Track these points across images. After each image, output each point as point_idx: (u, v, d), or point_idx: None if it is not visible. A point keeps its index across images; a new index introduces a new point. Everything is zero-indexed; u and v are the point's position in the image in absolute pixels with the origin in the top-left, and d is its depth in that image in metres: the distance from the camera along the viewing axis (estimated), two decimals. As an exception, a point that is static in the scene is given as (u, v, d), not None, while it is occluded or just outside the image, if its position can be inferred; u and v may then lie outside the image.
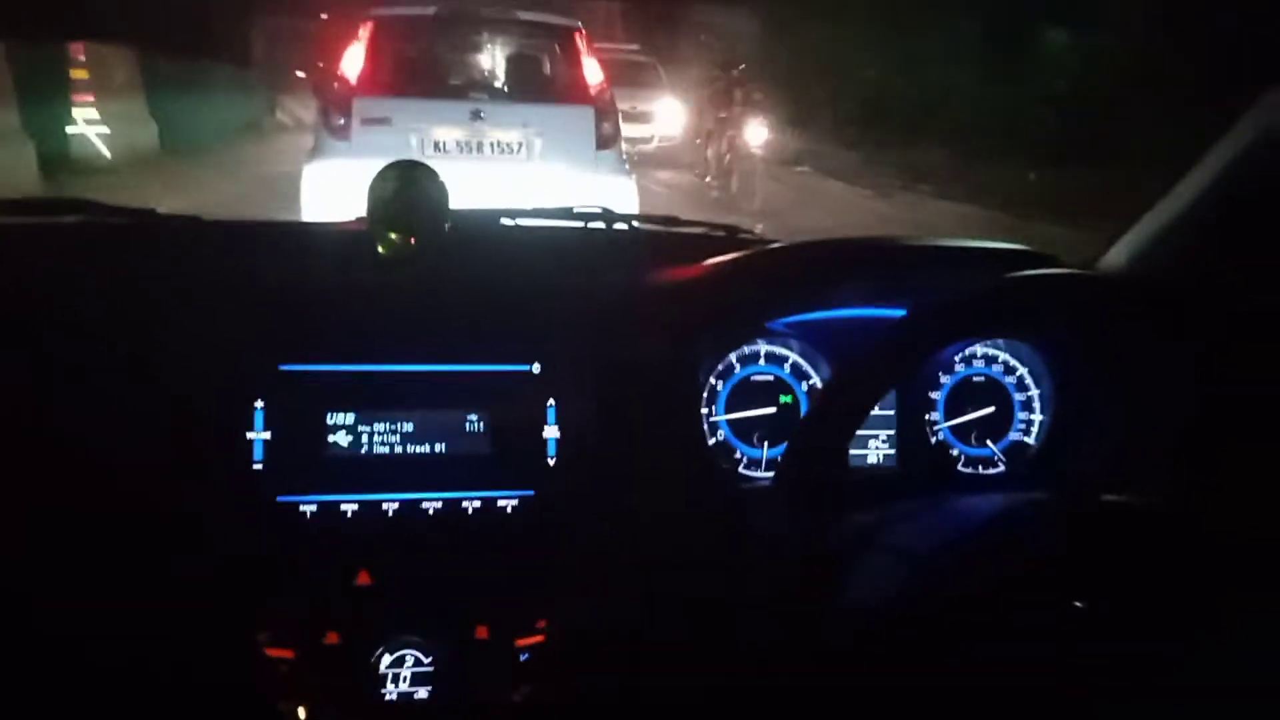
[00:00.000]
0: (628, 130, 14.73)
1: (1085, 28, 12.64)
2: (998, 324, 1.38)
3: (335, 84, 5.70)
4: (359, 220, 1.31)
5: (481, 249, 1.45)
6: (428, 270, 1.31)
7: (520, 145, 5.73)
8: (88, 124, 11.06)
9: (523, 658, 1.22)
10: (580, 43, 6.28)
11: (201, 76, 15.76)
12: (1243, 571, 0.94)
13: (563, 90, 6.18)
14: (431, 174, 1.31)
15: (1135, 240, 1.43)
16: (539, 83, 6.30)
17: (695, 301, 1.36)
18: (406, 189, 1.27)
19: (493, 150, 5.72)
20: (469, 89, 5.99)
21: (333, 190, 5.36)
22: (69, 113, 10.94)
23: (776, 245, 1.53)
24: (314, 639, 1.18)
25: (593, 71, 6.08)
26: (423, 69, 6.17)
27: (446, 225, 1.31)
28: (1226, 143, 1.32)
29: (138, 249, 1.40)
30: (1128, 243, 1.44)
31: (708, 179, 11.92)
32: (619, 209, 4.64)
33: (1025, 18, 13.49)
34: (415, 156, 5.17)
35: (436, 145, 5.62)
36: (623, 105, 14.69)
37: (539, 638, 1.23)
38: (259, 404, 1.21)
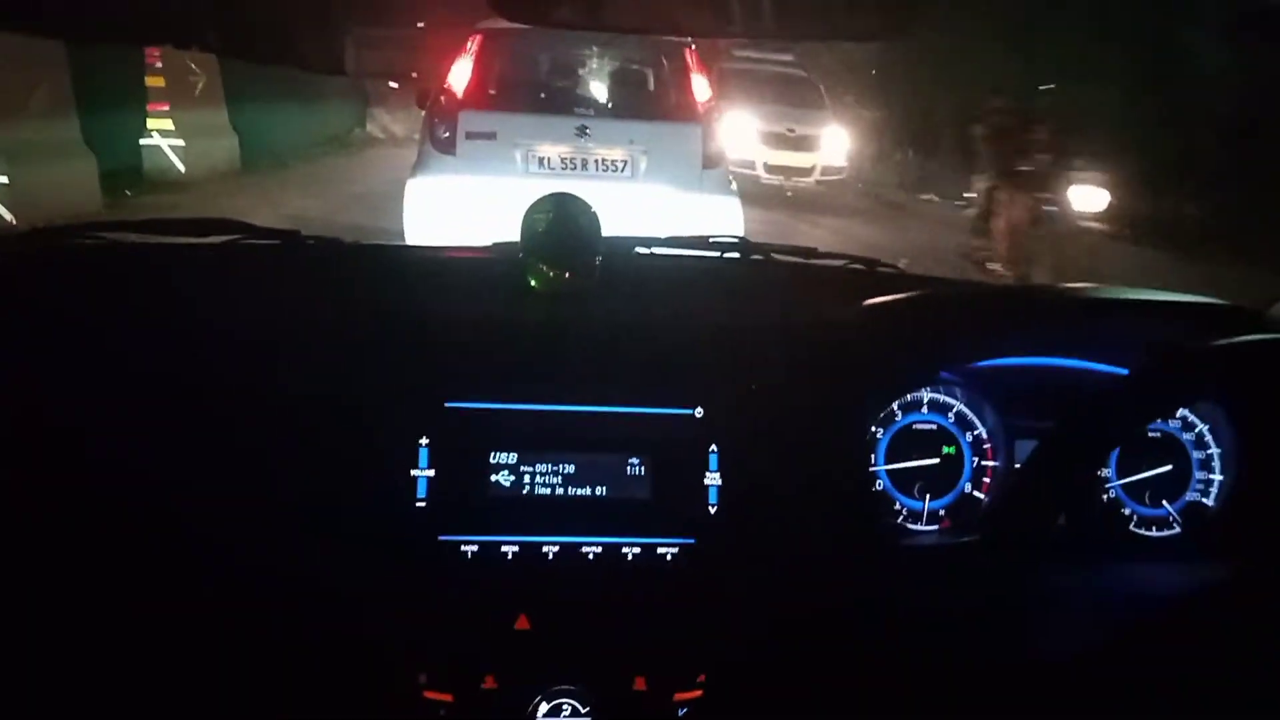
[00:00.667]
0: (782, 158, 13.79)
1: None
2: (1213, 389, 1.28)
3: (441, 96, 5.68)
4: (491, 247, 1.30)
5: (622, 280, 1.41)
6: (582, 306, 1.29)
7: (625, 163, 5.68)
8: (162, 135, 10.48)
9: (681, 712, 1.18)
10: (689, 59, 6.22)
11: (287, 86, 14.98)
12: None
13: (669, 107, 6.10)
14: (585, 206, 1.29)
15: None
16: (645, 99, 6.25)
17: (866, 345, 1.31)
18: (561, 222, 1.27)
19: (597, 167, 5.68)
20: (574, 104, 5.92)
21: (437, 204, 5.33)
22: (143, 123, 10.36)
23: (950, 288, 1.45)
24: (472, 683, 1.15)
25: (700, 88, 6.01)
26: (528, 83, 6.15)
27: (599, 257, 1.30)
28: None
29: (284, 272, 1.38)
30: None
31: (988, 262, 8.47)
32: (725, 229, 4.50)
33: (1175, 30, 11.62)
34: (520, 172, 5.05)
35: (541, 161, 5.59)
36: (775, 126, 13.62)
37: (698, 692, 1.18)
38: (424, 441, 1.19)
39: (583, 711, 1.16)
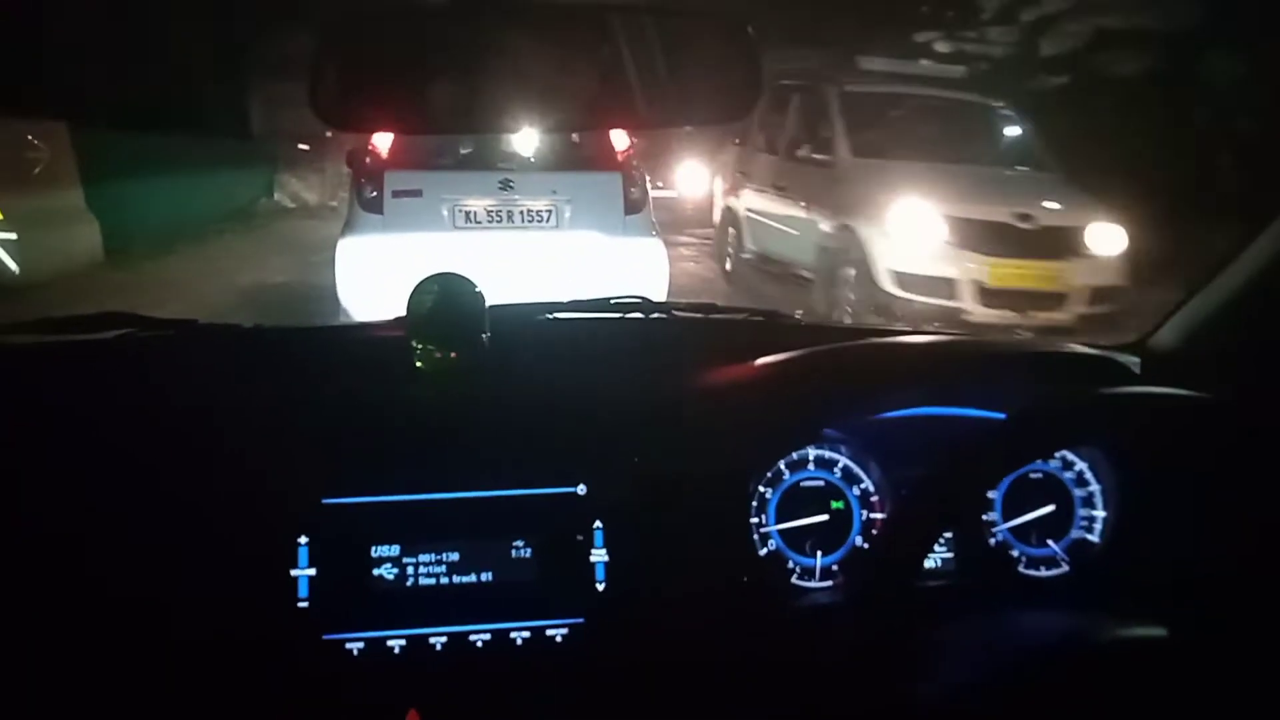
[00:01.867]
0: (1011, 272, 6.84)
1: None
2: (1089, 438, 1.29)
3: (366, 158, 5.70)
4: (399, 321, 1.29)
5: (522, 356, 1.40)
6: (467, 385, 1.28)
7: (550, 212, 5.74)
8: (-18, 231, 8.70)
9: None
10: None
11: (174, 154, 11.52)
12: None
13: (589, 157, 6.14)
14: (469, 285, 1.29)
15: (1188, 319, 1.37)
16: (565, 151, 6.26)
17: (748, 407, 1.31)
18: (445, 301, 1.26)
19: (523, 218, 5.73)
20: (498, 159, 5.96)
21: (368, 263, 5.39)
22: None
23: (830, 346, 1.47)
24: None
25: (619, 138, 6.08)
26: (452, 141, 6.10)
27: (485, 336, 1.29)
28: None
29: (175, 365, 1.37)
30: (1180, 320, 1.38)
31: None
32: (650, 273, 4.64)
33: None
34: (446, 227, 5.17)
35: (468, 215, 5.65)
36: (987, 207, 7.00)
37: None
38: (303, 539, 1.18)
39: None
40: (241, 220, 13.77)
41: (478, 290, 1.30)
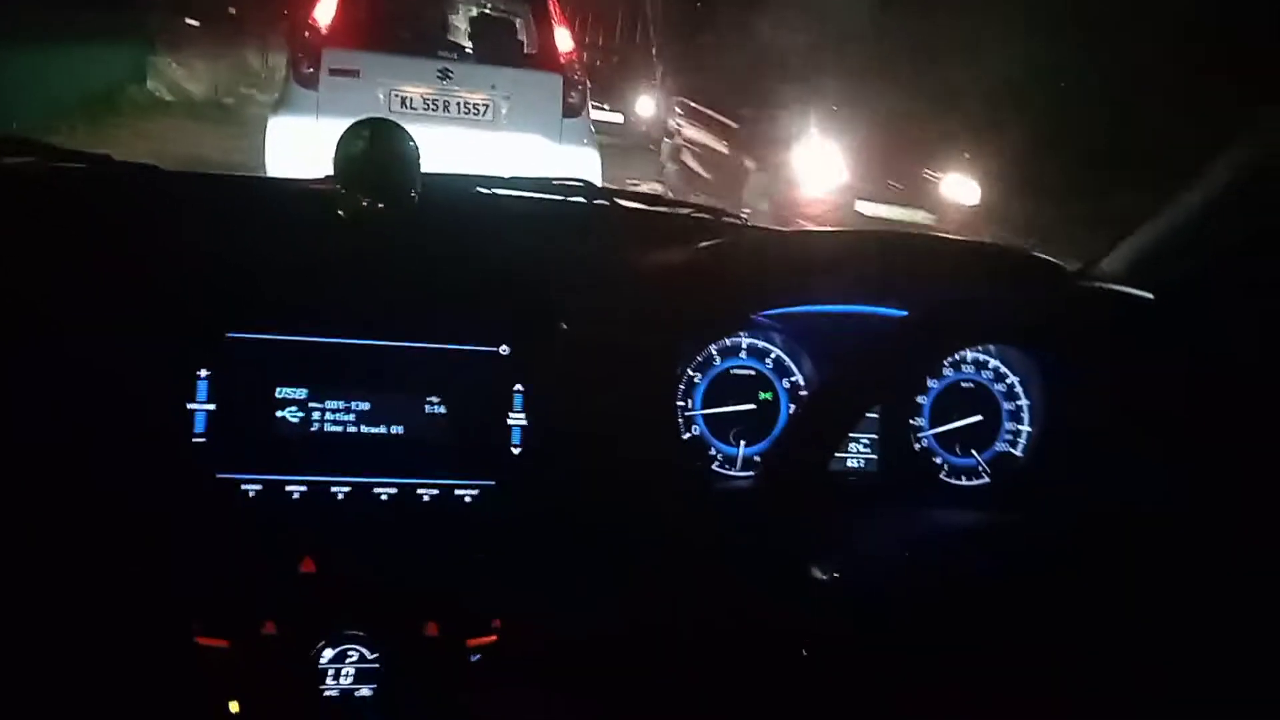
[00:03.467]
0: None
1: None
2: (997, 334, 1.28)
3: (305, 32, 5.55)
4: (328, 178, 1.22)
5: (454, 218, 1.35)
6: (394, 238, 1.22)
7: (486, 107, 5.65)
8: None
9: (474, 658, 1.14)
10: (551, 10, 6.28)
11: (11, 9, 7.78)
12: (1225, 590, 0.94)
13: (531, 56, 6.10)
14: (403, 134, 1.22)
15: (1137, 244, 1.36)
16: (507, 47, 6.18)
17: (678, 289, 1.27)
18: (377, 148, 1.19)
19: (459, 110, 5.63)
20: (438, 48, 5.86)
21: (299, 140, 5.26)
22: None
23: (765, 233, 1.43)
24: (250, 628, 1.09)
25: (563, 39, 5.98)
26: (394, 24, 6.00)
27: (416, 190, 1.23)
28: (1232, 152, 1.25)
29: (90, 197, 1.30)
30: (1130, 246, 1.38)
31: None
32: (584, 177, 4.67)
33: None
34: (382, 111, 5.15)
35: (403, 101, 5.53)
36: None
37: (492, 637, 1.14)
38: (203, 373, 1.12)
39: (370, 658, 1.10)
40: (102, 114, 9.77)
41: (411, 142, 1.23)
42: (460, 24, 6.38)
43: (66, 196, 1.28)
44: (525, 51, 6.20)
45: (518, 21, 6.45)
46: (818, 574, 0.95)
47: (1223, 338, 1.07)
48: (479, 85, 5.71)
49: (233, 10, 13.21)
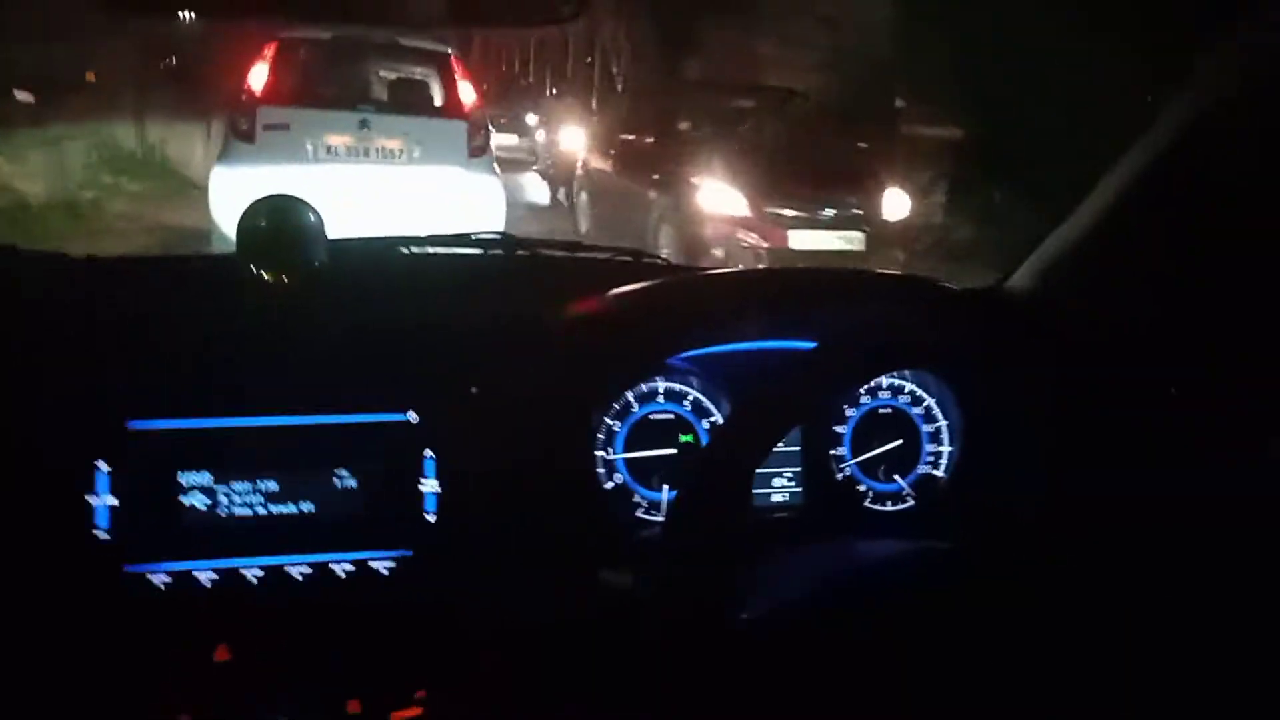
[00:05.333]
0: None
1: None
2: (902, 362, 1.24)
3: (242, 95, 6.10)
4: (230, 255, 1.16)
5: (362, 286, 1.27)
6: (297, 311, 1.15)
7: (401, 151, 6.17)
8: None
9: None
10: (455, 67, 6.68)
11: None
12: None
13: (439, 107, 6.66)
14: (305, 206, 1.14)
15: (1041, 260, 1.30)
16: (418, 99, 6.68)
17: (588, 337, 1.20)
18: (276, 223, 1.13)
19: (378, 155, 6.13)
20: (358, 101, 6.37)
21: (238, 187, 5.63)
22: None
23: (676, 278, 1.38)
24: None
25: (466, 91, 6.55)
26: (318, 83, 6.50)
27: (323, 259, 1.15)
28: (1131, 156, 1.21)
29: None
30: (1034, 263, 1.31)
31: None
32: (489, 209, 4.76)
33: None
34: (311, 159, 6.20)
35: (329, 149, 6.01)
36: None
37: (417, 710, 1.08)
38: (103, 465, 1.04)
39: None
40: None
41: (313, 212, 1.17)
42: (378, 82, 7.13)
43: None
44: (435, 104, 6.65)
45: (428, 79, 6.84)
46: (738, 617, 0.90)
47: (1129, 342, 1.02)
48: (394, 132, 6.17)
49: (91, 76, 10.30)
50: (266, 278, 1.14)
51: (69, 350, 1.09)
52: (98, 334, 1.11)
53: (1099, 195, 1.25)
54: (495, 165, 6.75)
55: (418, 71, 7.13)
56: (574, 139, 11.96)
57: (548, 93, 17.78)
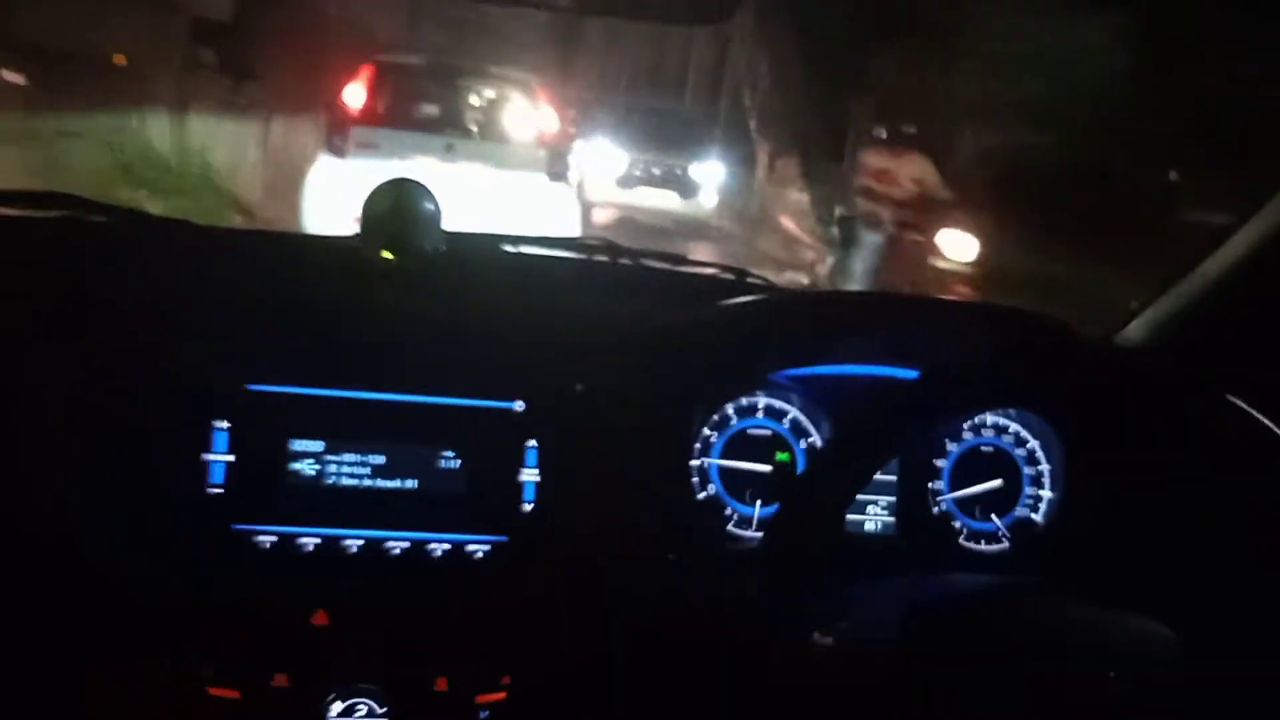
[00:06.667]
0: None
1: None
2: (1008, 397, 1.20)
3: (338, 113, 6.49)
4: (354, 236, 1.17)
5: (476, 275, 1.25)
6: (415, 293, 1.14)
7: (483, 175, 6.38)
8: None
9: (483, 715, 1.06)
10: (539, 95, 6.94)
11: None
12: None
13: (521, 132, 6.89)
14: (427, 192, 1.15)
15: (1157, 316, 1.25)
16: (502, 126, 6.94)
17: (692, 347, 1.18)
18: (399, 205, 1.15)
19: (461, 179, 6.31)
20: (445, 126, 6.66)
21: (329, 194, 6.04)
22: None
23: (784, 293, 1.31)
24: (261, 680, 1.02)
25: (547, 119, 6.78)
26: (409, 107, 6.81)
27: (440, 246, 1.15)
28: (1257, 221, 1.16)
29: (122, 251, 1.23)
30: (1149, 318, 1.26)
31: None
32: (565, 219, 5.04)
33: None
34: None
35: (414, 170, 6.95)
36: None
37: (501, 694, 1.06)
38: (222, 425, 1.04)
39: (379, 711, 1.03)
40: None
41: (433, 199, 1.17)
42: (464, 108, 7.52)
43: (102, 249, 1.21)
44: (518, 130, 6.86)
45: (513, 107, 7.08)
46: (820, 639, 0.88)
47: (1242, 410, 0.98)
48: (477, 158, 6.38)
49: (121, 59, 7.51)
50: (387, 257, 1.13)
51: (195, 314, 1.08)
52: (223, 300, 1.10)
53: (1223, 254, 1.20)
54: (572, 189, 7.02)
55: (503, 99, 7.26)
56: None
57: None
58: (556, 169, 6.79)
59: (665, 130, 11.46)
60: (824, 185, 9.71)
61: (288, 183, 8.01)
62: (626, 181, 10.40)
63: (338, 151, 6.34)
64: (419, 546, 1.08)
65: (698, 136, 11.73)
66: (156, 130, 7.77)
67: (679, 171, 10.79)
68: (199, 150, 7.89)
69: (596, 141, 10.23)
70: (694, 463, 1.19)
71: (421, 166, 6.29)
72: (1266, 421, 0.91)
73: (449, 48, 10.34)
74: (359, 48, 7.62)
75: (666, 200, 10.44)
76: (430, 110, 6.85)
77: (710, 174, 10.97)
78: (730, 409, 1.23)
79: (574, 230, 6.51)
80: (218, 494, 1.04)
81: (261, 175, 8.09)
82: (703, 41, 15.05)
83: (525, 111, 7.08)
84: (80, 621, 1.00)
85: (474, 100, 7.24)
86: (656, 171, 10.68)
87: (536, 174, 6.60)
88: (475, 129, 6.87)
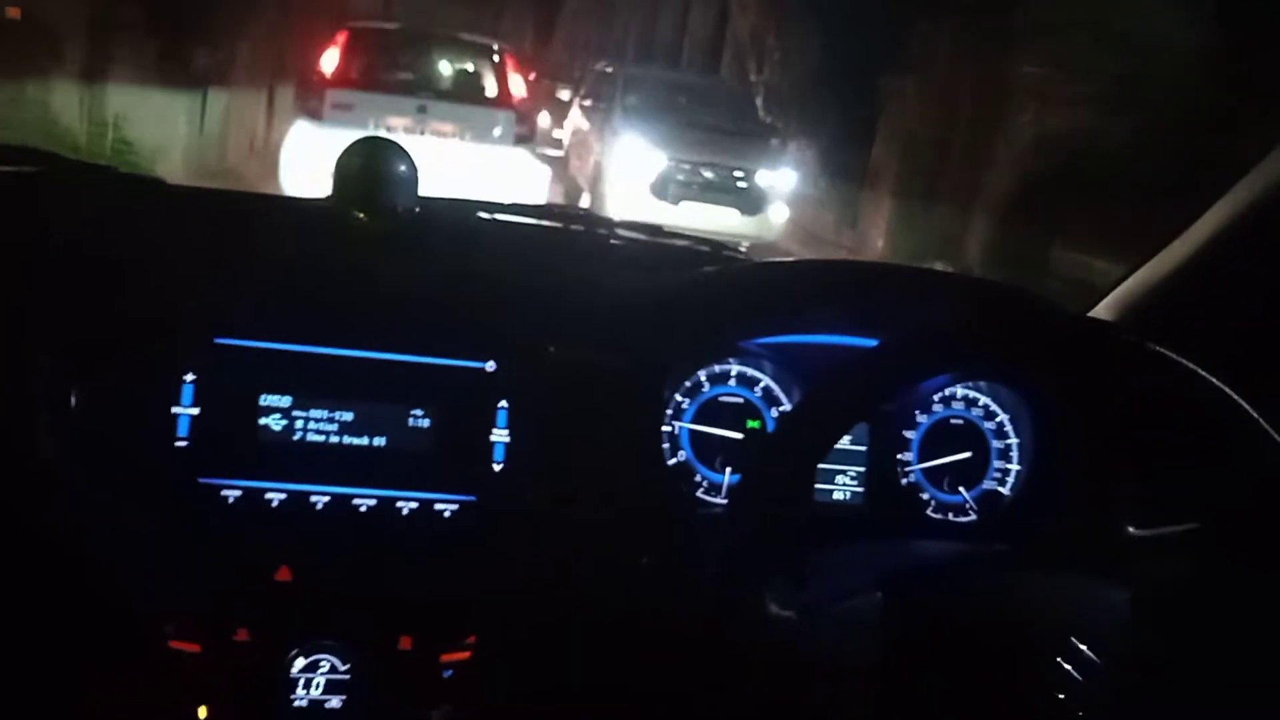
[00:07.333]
0: None
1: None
2: (970, 363, 1.18)
3: (313, 76, 6.66)
4: (326, 198, 1.15)
5: (450, 237, 1.23)
6: (387, 252, 1.12)
7: (453, 134, 6.63)
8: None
9: (446, 674, 1.04)
10: (507, 61, 7.13)
11: None
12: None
13: (489, 96, 7.10)
14: (402, 152, 1.13)
15: (1128, 292, 1.23)
16: (471, 89, 7.13)
17: (665, 311, 1.17)
18: (372, 165, 1.13)
19: (433, 138, 6.61)
20: (417, 89, 6.86)
21: (305, 155, 6.21)
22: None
23: (755, 262, 1.29)
24: (223, 634, 0.99)
25: (515, 84, 6.96)
26: (382, 71, 6.99)
27: (414, 207, 1.13)
28: (1228, 198, 1.14)
29: (92, 206, 1.21)
30: (1120, 295, 1.24)
31: None
32: (530, 189, 5.10)
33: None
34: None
35: (389, 130, 6.34)
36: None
37: (466, 653, 1.04)
38: (189, 377, 1.01)
39: (342, 668, 1.00)
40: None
41: (410, 159, 1.15)
42: (435, 72, 7.21)
43: (73, 203, 1.19)
44: (487, 93, 7.07)
45: (482, 71, 7.23)
46: (779, 611, 0.87)
47: (1211, 384, 0.97)
48: (448, 118, 6.60)
49: (15, 12, 6.04)
50: (359, 216, 1.11)
51: (163, 268, 1.05)
52: (192, 255, 1.07)
53: (1195, 231, 1.19)
54: (537, 152, 7.43)
55: (472, 64, 7.40)
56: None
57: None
58: (520, 131, 7.22)
59: (706, 117, 8.75)
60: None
61: (227, 165, 7.43)
62: (665, 190, 7.78)
63: (314, 115, 6.68)
64: (387, 504, 1.06)
65: (753, 124, 9.03)
66: (61, 101, 6.37)
67: (738, 176, 8.02)
68: (115, 125, 6.75)
69: (624, 137, 8.12)
70: (665, 428, 1.17)
71: (395, 126, 6.66)
72: (1235, 396, 0.90)
73: (428, 14, 10.36)
74: (320, 9, 7.50)
75: (724, 220, 7.59)
76: (403, 74, 7.08)
77: (779, 180, 8.15)
78: (703, 375, 1.21)
79: (538, 186, 6.79)
80: (184, 447, 1.01)
81: (198, 156, 7.28)
82: (700, 7, 13.65)
83: (494, 76, 7.53)
84: (42, 574, 0.97)
85: (444, 65, 7.65)
86: (709, 177, 7.93)
87: (504, 134, 7.04)
88: (447, 92, 7.23)
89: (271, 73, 8.42)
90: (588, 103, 9.77)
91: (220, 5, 7.40)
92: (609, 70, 9.96)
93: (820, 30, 9.78)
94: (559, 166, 9.09)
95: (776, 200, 8.08)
